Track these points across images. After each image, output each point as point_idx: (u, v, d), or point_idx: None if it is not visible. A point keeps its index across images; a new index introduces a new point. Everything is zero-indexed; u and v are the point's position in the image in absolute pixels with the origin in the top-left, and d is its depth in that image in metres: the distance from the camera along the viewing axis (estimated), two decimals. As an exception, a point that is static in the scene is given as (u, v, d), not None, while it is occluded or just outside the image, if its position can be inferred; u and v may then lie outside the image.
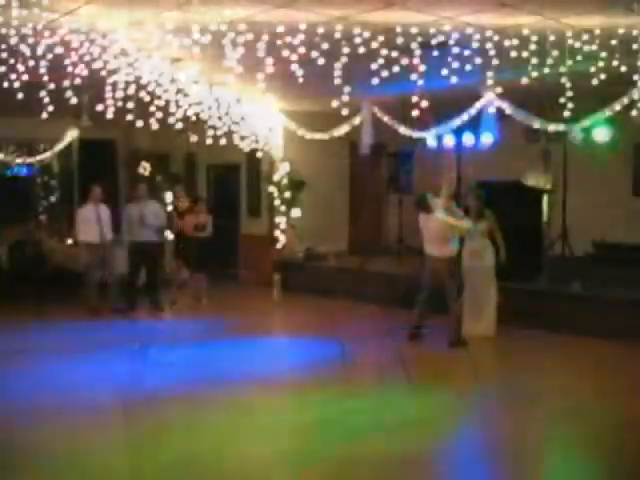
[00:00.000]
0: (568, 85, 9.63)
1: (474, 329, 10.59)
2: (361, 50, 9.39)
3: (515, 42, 9.21)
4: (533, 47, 9.35)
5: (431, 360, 9.96)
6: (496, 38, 9.07)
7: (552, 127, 11.58)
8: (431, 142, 13.73)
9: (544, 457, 6.46)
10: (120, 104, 10.43)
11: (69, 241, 15.44)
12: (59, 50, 9.14)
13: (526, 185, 12.87)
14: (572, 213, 12.26)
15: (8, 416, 7.41)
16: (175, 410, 7.65)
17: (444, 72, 10.23)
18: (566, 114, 10.04)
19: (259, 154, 15.31)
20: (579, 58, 9.54)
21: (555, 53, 9.41)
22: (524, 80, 10.32)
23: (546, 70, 10.08)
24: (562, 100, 9.82)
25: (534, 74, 10.22)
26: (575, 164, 12.41)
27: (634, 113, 10.13)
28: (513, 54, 9.60)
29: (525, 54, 9.59)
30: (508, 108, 11.53)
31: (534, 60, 9.74)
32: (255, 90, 12.17)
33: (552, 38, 8.99)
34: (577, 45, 9.19)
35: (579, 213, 13.20)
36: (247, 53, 9.21)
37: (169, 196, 16.16)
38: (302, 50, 9.22)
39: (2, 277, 14.40)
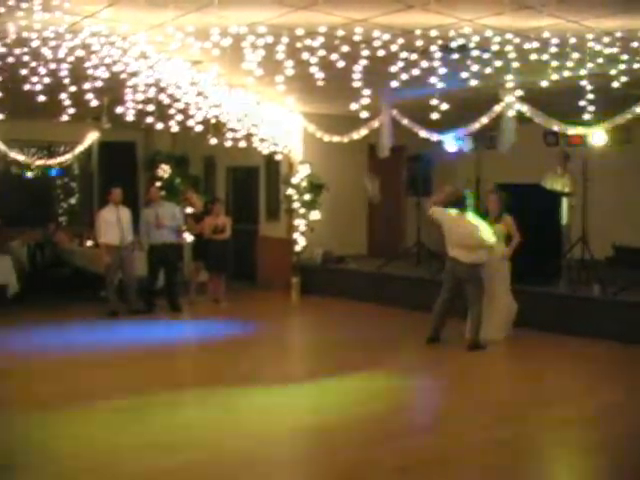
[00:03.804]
0: (589, 88, 9.59)
1: (484, 332, 10.51)
2: (381, 53, 9.41)
3: (535, 45, 9.19)
4: (554, 50, 9.33)
5: (450, 363, 9.94)
6: (516, 41, 9.05)
7: (571, 130, 11.57)
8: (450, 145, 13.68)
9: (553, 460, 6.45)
10: (140, 106, 10.49)
11: (89, 243, 15.50)
12: (80, 53, 9.20)
13: (545, 188, 12.81)
14: (592, 216, 12.21)
15: (25, 413, 7.45)
16: (193, 412, 7.68)
17: (464, 75, 10.25)
18: (586, 117, 10.00)
19: (278, 157, 15.36)
20: (600, 61, 9.51)
21: (576, 56, 9.38)
22: (544, 83, 10.32)
23: (566, 73, 10.07)
24: (582, 103, 9.78)
25: (554, 77, 10.21)
26: (595, 167, 12.35)
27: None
28: (533, 57, 9.59)
29: (545, 57, 9.58)
30: (528, 111, 11.50)
31: (554, 63, 9.72)
32: (274, 93, 12.21)
33: (573, 40, 8.97)
34: (598, 48, 9.16)
35: (599, 216, 13.15)
36: (267, 56, 9.24)
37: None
38: (322, 53, 9.24)
39: (22, 278, 14.45)
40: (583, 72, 9.63)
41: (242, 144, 13.26)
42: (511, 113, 11.51)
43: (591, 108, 9.75)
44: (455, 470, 6.19)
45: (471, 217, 10.30)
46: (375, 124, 13.61)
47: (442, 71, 9.68)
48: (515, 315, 10.91)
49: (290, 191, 15.81)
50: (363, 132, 14.00)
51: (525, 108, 11.44)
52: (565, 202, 12.78)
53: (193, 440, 6.74)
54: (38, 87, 9.50)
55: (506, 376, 9.59)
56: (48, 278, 15.51)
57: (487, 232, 10.16)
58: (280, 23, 8.46)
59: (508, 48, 9.24)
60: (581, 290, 11.55)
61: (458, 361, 9.99)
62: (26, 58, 9.31)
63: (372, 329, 12.11)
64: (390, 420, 7.37)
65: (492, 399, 8.29)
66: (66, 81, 9.44)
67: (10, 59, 9.24)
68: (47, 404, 7.81)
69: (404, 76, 10.11)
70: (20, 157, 17.14)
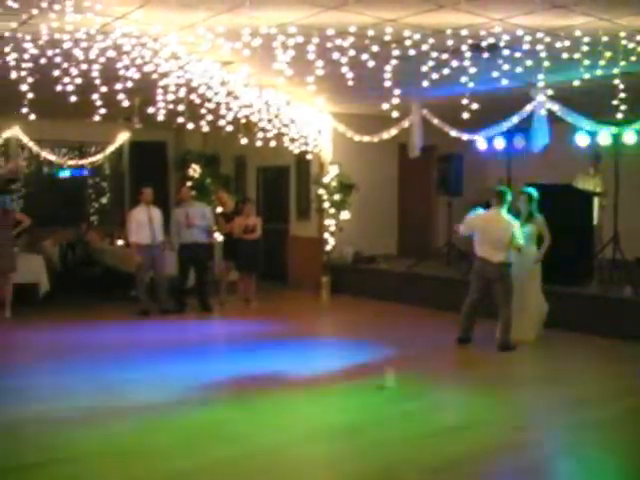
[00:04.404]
0: (621, 87, 9.51)
1: (515, 333, 10.43)
2: (411, 52, 9.39)
3: (567, 43, 9.13)
4: (585, 48, 9.26)
5: (480, 364, 9.90)
6: (547, 40, 9.00)
7: (604, 129, 11.49)
8: (481, 145, 13.65)
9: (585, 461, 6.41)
10: (171, 107, 10.54)
11: (120, 242, 15.61)
12: (111, 54, 9.25)
13: (577, 188, 12.74)
14: (623, 216, 12.10)
15: (58, 413, 7.50)
16: (224, 410, 7.69)
17: (495, 74, 10.20)
18: (619, 116, 9.92)
19: (308, 156, 15.37)
20: (633, 59, 9.43)
21: (608, 54, 9.31)
22: (576, 82, 10.25)
23: (598, 72, 9.99)
24: (615, 102, 9.71)
25: (586, 76, 10.14)
26: (627, 167, 12.26)
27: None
28: (565, 56, 9.53)
29: (577, 55, 9.52)
30: (559, 110, 11.42)
31: (586, 61, 9.66)
32: (305, 93, 12.22)
33: (605, 39, 8.90)
34: (631, 46, 9.09)
35: (631, 217, 13.03)
36: (297, 56, 9.25)
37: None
38: (352, 52, 9.24)
39: (54, 277, 14.56)
40: (616, 70, 9.54)
41: (272, 144, 13.29)
42: (543, 112, 11.44)
43: (624, 107, 9.67)
44: (486, 471, 6.16)
45: (505, 214, 10.23)
46: (405, 124, 13.59)
47: (473, 70, 9.66)
48: (546, 316, 10.84)
49: (320, 191, 15.81)
50: (393, 132, 13.99)
51: (556, 107, 11.37)
52: (596, 202, 12.70)
53: (224, 438, 6.77)
54: (70, 88, 9.57)
55: (537, 377, 9.53)
56: (79, 277, 15.63)
57: (518, 232, 10.09)
58: (310, 23, 8.47)
59: (539, 47, 9.19)
60: (612, 291, 11.45)
61: (488, 362, 9.94)
62: (58, 59, 9.38)
63: (403, 329, 12.08)
64: (422, 419, 7.36)
65: (524, 400, 8.26)
66: (97, 82, 9.50)
67: (43, 60, 9.32)
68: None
69: (435, 76, 10.09)
70: (52, 157, 17.31)
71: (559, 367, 9.59)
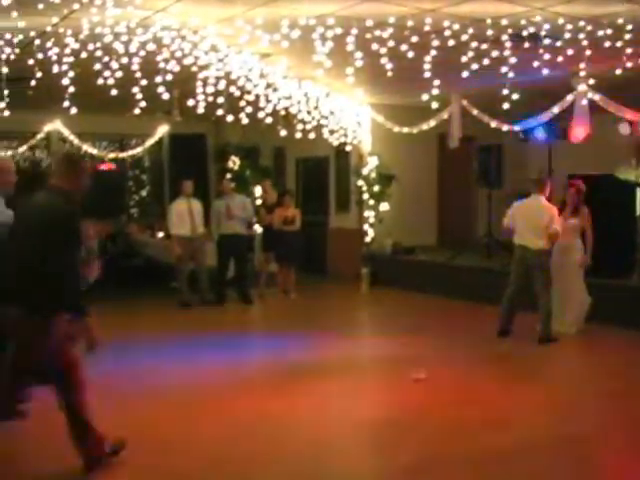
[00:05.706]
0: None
1: (557, 326, 10.36)
2: (451, 43, 9.34)
3: (609, 32, 9.02)
4: (628, 37, 9.15)
5: (520, 357, 9.84)
6: (589, 28, 8.90)
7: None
8: (522, 135, 13.55)
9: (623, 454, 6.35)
10: (210, 99, 10.58)
11: (160, 234, 15.70)
12: (151, 47, 9.30)
13: (619, 179, 12.59)
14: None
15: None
16: (266, 400, 7.73)
17: (535, 64, 10.12)
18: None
19: (348, 148, 15.36)
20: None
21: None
22: (618, 71, 10.14)
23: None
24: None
25: (629, 64, 10.03)
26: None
27: None
28: (607, 44, 9.42)
29: (619, 44, 9.40)
30: (601, 100, 11.30)
31: (629, 50, 9.54)
32: (343, 84, 12.21)
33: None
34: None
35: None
36: (336, 47, 9.24)
37: (258, 190, 16.33)
38: (391, 44, 9.21)
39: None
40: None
41: (312, 135, 13.29)
42: (584, 102, 11.33)
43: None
44: (528, 464, 6.13)
45: (544, 201, 10.18)
46: (445, 115, 13.53)
47: (513, 60, 9.59)
48: (588, 309, 10.73)
49: (360, 182, 15.80)
50: (432, 123, 13.93)
51: (598, 97, 11.25)
52: (639, 193, 12.55)
53: (257, 430, 6.81)
54: (110, 81, 9.64)
55: (578, 370, 9.45)
56: (120, 269, 15.74)
57: (555, 219, 10.02)
58: (349, 14, 8.45)
59: (581, 36, 9.10)
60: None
61: (529, 354, 9.85)
62: (99, 53, 9.45)
63: (442, 321, 12.03)
64: (462, 412, 7.33)
65: (566, 393, 8.19)
66: (138, 75, 9.55)
67: (83, 54, 9.39)
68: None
69: (475, 66, 10.03)
70: (92, 150, 17.46)
71: (600, 360, 9.51)
